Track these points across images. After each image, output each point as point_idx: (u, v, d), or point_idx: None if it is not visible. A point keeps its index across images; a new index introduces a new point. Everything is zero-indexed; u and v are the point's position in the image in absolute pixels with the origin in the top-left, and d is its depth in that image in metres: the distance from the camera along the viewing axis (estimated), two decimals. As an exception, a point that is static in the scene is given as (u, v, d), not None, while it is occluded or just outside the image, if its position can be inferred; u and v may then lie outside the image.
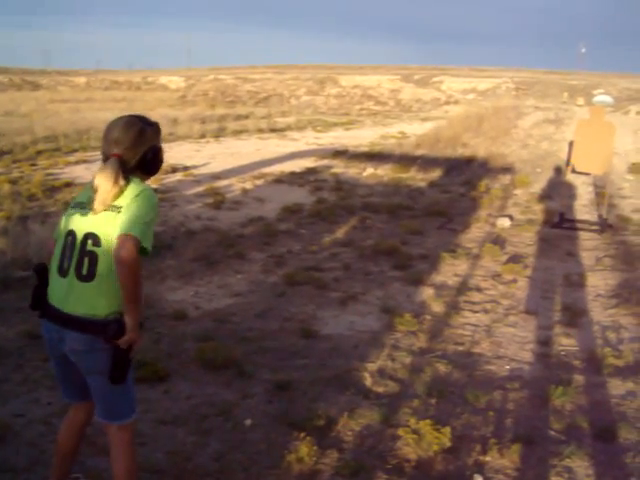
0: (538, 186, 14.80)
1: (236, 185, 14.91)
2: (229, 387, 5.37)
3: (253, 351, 6.10)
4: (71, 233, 3.12)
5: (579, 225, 11.66)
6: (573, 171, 12.08)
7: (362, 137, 26.23)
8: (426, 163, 17.71)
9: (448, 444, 4.43)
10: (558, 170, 15.47)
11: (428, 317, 7.17)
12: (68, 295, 3.09)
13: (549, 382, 5.57)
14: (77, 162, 17.88)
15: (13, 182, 14.43)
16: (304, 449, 4.26)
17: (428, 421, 4.56)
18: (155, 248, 7.23)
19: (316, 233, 10.85)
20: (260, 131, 28.68)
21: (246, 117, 35.84)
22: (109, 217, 3.04)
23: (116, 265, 2.97)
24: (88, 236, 3.06)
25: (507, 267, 8.96)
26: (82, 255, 3.07)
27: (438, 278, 8.58)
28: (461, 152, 18.68)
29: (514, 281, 8.52)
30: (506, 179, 15.71)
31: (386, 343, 6.41)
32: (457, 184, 15.56)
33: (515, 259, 9.46)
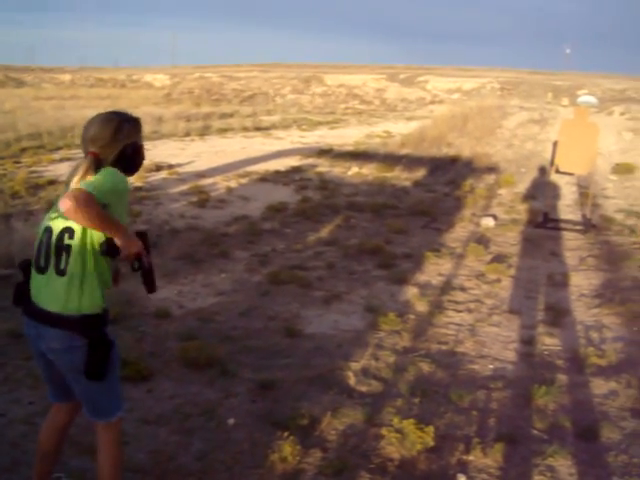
0: (522, 186, 14.85)
1: (221, 184, 14.87)
2: (212, 386, 5.36)
3: (237, 350, 6.09)
4: (48, 229, 3.09)
5: (563, 225, 11.70)
6: (557, 171, 12.12)
7: (347, 136, 26.21)
8: (411, 162, 17.72)
9: (431, 443, 4.44)
10: (542, 170, 15.53)
11: (412, 316, 7.18)
12: (44, 291, 3.07)
13: (532, 381, 5.59)
14: (61, 160, 17.75)
15: (-4, 180, 14.34)
16: (287, 448, 4.25)
17: (411, 420, 4.56)
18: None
19: (300, 232, 10.84)
20: (245, 129, 28.62)
21: (231, 115, 35.74)
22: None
23: (70, 217, 2.87)
24: (65, 230, 3.02)
25: (491, 267, 8.99)
26: (60, 249, 3.03)
27: (422, 277, 8.60)
28: (446, 152, 18.71)
29: (498, 281, 8.55)
30: (490, 179, 15.75)
31: (370, 342, 6.41)
32: (442, 183, 15.59)
33: (499, 259, 9.49)
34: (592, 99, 40.47)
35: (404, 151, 19.36)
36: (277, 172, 16.85)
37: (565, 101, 36.48)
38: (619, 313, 7.41)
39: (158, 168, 16.53)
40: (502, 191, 14.57)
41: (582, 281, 8.62)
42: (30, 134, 21.73)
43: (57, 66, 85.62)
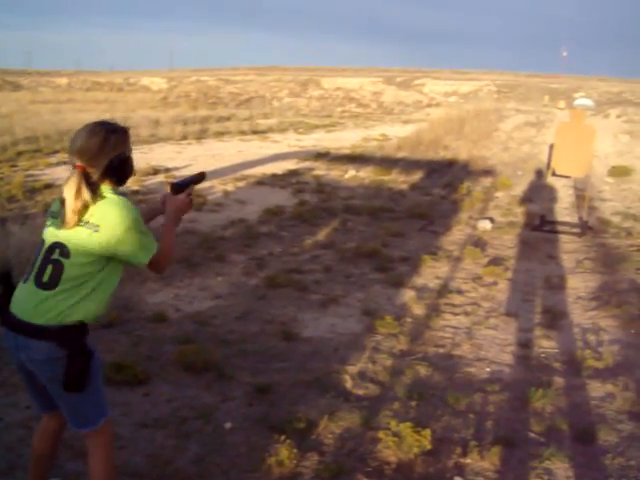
0: (519, 189, 14.86)
1: (217, 187, 14.86)
2: (209, 390, 5.35)
3: (233, 354, 6.08)
4: (42, 241, 3.10)
5: (560, 228, 11.71)
6: (554, 174, 12.13)
7: (344, 139, 26.23)
8: (407, 166, 17.74)
9: (428, 446, 4.43)
10: (539, 173, 15.55)
11: (409, 319, 7.18)
12: (27, 302, 3.03)
13: (529, 384, 5.58)
14: (58, 163, 17.74)
15: (-7, 183, 14.33)
16: (284, 452, 4.25)
17: (408, 423, 4.56)
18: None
19: (297, 235, 10.84)
20: (242, 133, 28.61)
21: (228, 119, 35.74)
22: (83, 233, 2.97)
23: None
24: (56, 245, 3.01)
25: (488, 269, 8.99)
26: (45, 262, 3.02)
27: (419, 280, 8.60)
28: (442, 155, 18.75)
29: (495, 283, 8.55)
30: (487, 182, 15.77)
31: (367, 346, 6.40)
32: (438, 186, 15.59)
33: (496, 261, 9.49)
34: (589, 102, 40.57)
35: (401, 154, 19.39)
36: (274, 175, 16.85)
37: (562, 104, 36.56)
38: (616, 316, 7.41)
39: (155, 172, 16.52)
40: (499, 194, 14.58)
41: (579, 284, 8.62)
42: (27, 138, 21.71)
43: (54, 70, 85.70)
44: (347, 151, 21.71)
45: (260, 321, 7.05)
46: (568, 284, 8.57)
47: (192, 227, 10.96)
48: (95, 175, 3.03)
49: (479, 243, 10.53)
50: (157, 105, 46.91)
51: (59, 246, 3.01)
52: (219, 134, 27.70)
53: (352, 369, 5.82)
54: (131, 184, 13.18)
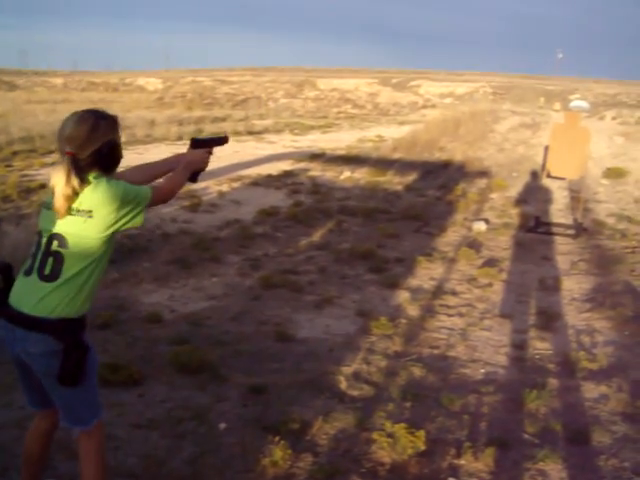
0: (514, 190, 14.86)
1: (213, 188, 14.85)
2: (204, 391, 5.35)
3: (228, 354, 6.08)
4: (39, 232, 3.10)
5: (554, 229, 11.73)
6: (549, 176, 12.15)
7: (339, 140, 26.24)
8: (403, 167, 17.74)
9: (422, 448, 4.44)
10: (534, 174, 15.56)
11: (403, 321, 7.18)
12: (27, 295, 3.04)
13: (523, 386, 5.60)
14: (53, 163, 17.69)
15: (-13, 183, 14.31)
16: (279, 453, 4.25)
17: (403, 425, 4.56)
18: (130, 251, 7.16)
19: (292, 236, 10.84)
20: (237, 133, 28.57)
21: (223, 120, 35.71)
22: (77, 221, 2.98)
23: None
24: (54, 236, 3.02)
25: (483, 271, 9.00)
26: (46, 255, 3.02)
27: (414, 282, 8.60)
28: (438, 156, 18.75)
29: (489, 285, 8.56)
30: (482, 183, 15.77)
31: (361, 347, 6.41)
32: (433, 188, 15.60)
33: (491, 263, 9.50)
34: (584, 104, 40.62)
35: (396, 155, 19.39)
36: (269, 176, 16.85)
37: (557, 105, 36.58)
38: (610, 317, 7.43)
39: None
40: (494, 195, 14.59)
41: (573, 285, 8.64)
42: (22, 138, 21.68)
43: (50, 70, 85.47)
44: (343, 152, 21.72)
45: (255, 322, 7.05)
46: (563, 286, 8.59)
47: (187, 228, 10.97)
48: (84, 163, 3.02)
49: (474, 244, 10.54)
50: (153, 105, 46.84)
51: (57, 237, 3.01)
52: (214, 135, 27.64)
53: (347, 370, 5.83)
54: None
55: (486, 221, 12.04)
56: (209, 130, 28.62)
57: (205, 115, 37.19)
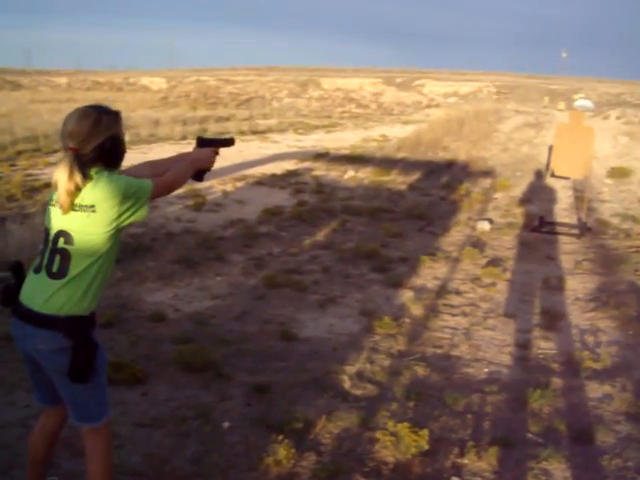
0: (518, 190, 14.85)
1: (217, 187, 14.86)
2: (207, 389, 5.36)
3: (232, 353, 6.09)
4: (46, 230, 3.11)
5: (558, 229, 11.72)
6: (553, 175, 12.14)
7: (343, 140, 26.23)
8: (407, 166, 17.74)
9: (426, 447, 4.44)
10: (538, 174, 15.55)
11: (407, 320, 7.18)
12: (37, 292, 3.05)
13: (527, 385, 5.59)
14: (57, 163, 17.68)
15: (-8, 183, 14.33)
16: (282, 452, 4.26)
17: (406, 424, 4.56)
18: (134, 250, 7.16)
19: (296, 235, 10.85)
20: (242, 133, 28.55)
21: (227, 119, 35.71)
22: (81, 217, 2.99)
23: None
24: (60, 234, 3.03)
25: (486, 270, 9.00)
26: (54, 252, 3.04)
27: (418, 281, 8.60)
28: (442, 155, 18.74)
29: (493, 284, 8.55)
30: (486, 182, 15.76)
31: (365, 346, 6.41)
32: (438, 187, 15.60)
33: (495, 262, 9.49)
34: (588, 103, 40.57)
35: (400, 155, 19.38)
36: (273, 176, 16.85)
37: (561, 105, 36.53)
38: (614, 317, 7.42)
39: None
40: (498, 195, 14.58)
41: (577, 285, 8.63)
42: (26, 137, 21.70)
43: (54, 69, 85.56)
44: (346, 152, 21.70)
45: (259, 321, 7.05)
46: (567, 285, 8.58)
47: (191, 227, 10.98)
48: (86, 158, 3.03)
49: (478, 244, 10.54)
50: (157, 105, 46.86)
51: (63, 234, 3.02)
52: (218, 134, 27.65)
53: (350, 369, 5.83)
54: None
55: (490, 221, 12.03)
56: (213, 130, 28.65)
57: (209, 115, 37.20)
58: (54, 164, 17.36)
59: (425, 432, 4.49)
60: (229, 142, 3.77)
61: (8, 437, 4.48)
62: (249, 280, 8.48)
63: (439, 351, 6.43)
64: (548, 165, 12.25)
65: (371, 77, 68.72)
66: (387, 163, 18.20)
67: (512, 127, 20.99)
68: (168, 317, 7.04)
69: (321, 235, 10.96)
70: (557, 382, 5.77)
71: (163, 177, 3.29)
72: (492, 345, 6.65)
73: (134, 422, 4.78)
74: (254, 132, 29.50)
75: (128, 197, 3.02)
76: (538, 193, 13.97)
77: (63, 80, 74.25)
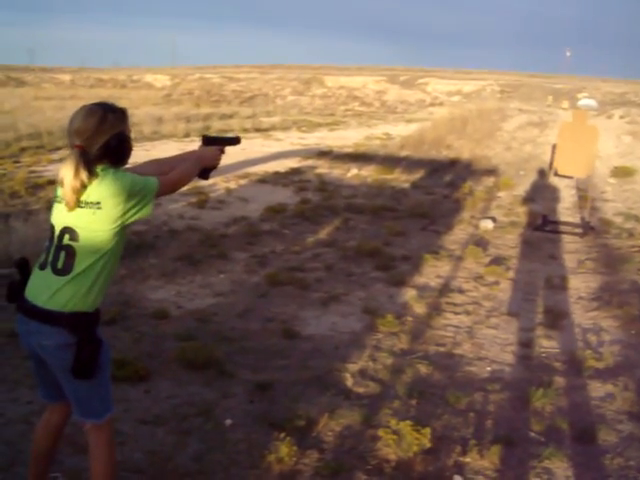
0: (522, 188, 14.85)
1: (220, 184, 14.86)
2: (210, 387, 5.36)
3: (234, 351, 6.09)
4: (52, 227, 3.12)
5: (562, 228, 11.71)
6: (556, 174, 12.13)
7: (347, 138, 26.22)
8: (410, 164, 17.73)
9: (428, 445, 4.44)
10: (542, 173, 15.54)
11: (410, 318, 7.18)
12: (42, 288, 3.06)
13: (530, 384, 5.59)
14: (61, 160, 17.69)
15: (-5, 179, 14.35)
16: (284, 449, 4.26)
17: (408, 422, 4.56)
18: (137, 247, 7.16)
19: (299, 233, 10.85)
20: (245, 131, 28.55)
21: (231, 117, 35.72)
22: (86, 214, 2.99)
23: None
24: (65, 230, 3.04)
25: (489, 269, 9.00)
26: (59, 248, 3.04)
27: (420, 279, 8.60)
28: (445, 154, 18.74)
29: (496, 283, 8.55)
30: (490, 181, 15.76)
31: (367, 344, 6.41)
32: (441, 186, 15.60)
33: (498, 261, 9.49)
34: (592, 102, 40.52)
35: (403, 153, 19.38)
36: (276, 173, 16.86)
37: (565, 104, 36.45)
38: (617, 316, 7.42)
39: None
40: (501, 194, 14.57)
41: (580, 284, 8.62)
42: (30, 134, 21.72)
43: (57, 66, 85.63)
44: (350, 150, 21.70)
45: (261, 319, 7.06)
46: (569, 284, 8.58)
47: (194, 224, 10.98)
48: (93, 155, 3.03)
49: (481, 242, 10.53)
50: (160, 102, 46.90)
51: (68, 231, 3.03)
52: (222, 132, 27.64)
53: (353, 367, 5.83)
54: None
55: (493, 219, 12.03)
56: (216, 127, 28.67)
57: (213, 112, 37.21)
58: (58, 161, 17.41)
59: (427, 430, 4.49)
60: (235, 141, 3.79)
61: (11, 434, 4.48)
62: (252, 278, 8.48)
63: (442, 349, 6.43)
64: (551, 164, 12.24)
65: (375, 75, 68.68)
66: (390, 161, 18.20)
67: (516, 126, 20.96)
68: (171, 314, 7.05)
69: (324, 233, 10.96)
70: (559, 381, 5.77)
71: (169, 175, 3.30)
72: (495, 344, 6.65)
73: (137, 419, 4.79)
74: (257, 130, 29.52)
75: (134, 194, 3.02)
76: (541, 192, 13.96)
77: (67, 77, 74.31)
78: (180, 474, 4.11)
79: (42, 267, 3.10)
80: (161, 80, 71.97)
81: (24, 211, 11.05)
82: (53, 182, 13.88)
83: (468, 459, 4.43)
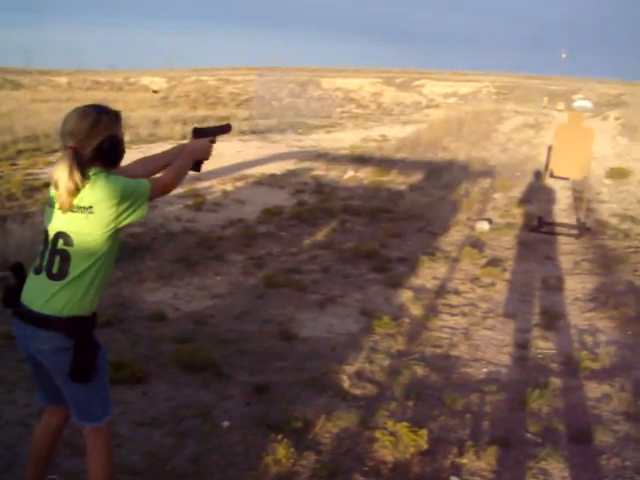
0: (517, 190, 14.86)
1: (216, 187, 14.85)
2: (207, 389, 5.37)
3: (231, 353, 6.10)
4: (45, 231, 3.12)
5: (557, 229, 11.73)
6: (552, 175, 12.14)
7: (343, 140, 26.20)
8: (406, 166, 17.73)
9: (425, 446, 4.45)
10: (537, 174, 15.55)
11: (406, 320, 7.19)
12: (37, 293, 3.07)
13: (526, 385, 5.61)
14: (56, 161, 17.70)
15: (-8, 182, 14.33)
16: (281, 451, 4.27)
17: (405, 423, 4.57)
18: (134, 249, 7.16)
19: (296, 235, 10.85)
20: (241, 133, 28.58)
21: (227, 119, 35.69)
22: (79, 218, 3.00)
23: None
24: (59, 235, 3.04)
25: (486, 270, 9.01)
26: (53, 253, 3.05)
27: (417, 281, 8.61)
28: (441, 156, 18.76)
29: (492, 284, 8.56)
30: (486, 183, 15.77)
31: (364, 346, 6.42)
32: (437, 187, 15.59)
33: (494, 262, 9.51)
34: (587, 103, 40.59)
35: (400, 155, 19.39)
36: (273, 175, 16.84)
37: (561, 105, 36.51)
38: (613, 317, 7.43)
39: (154, 171, 16.48)
40: (497, 195, 14.58)
41: (576, 285, 8.64)
42: (26, 136, 21.67)
43: (54, 69, 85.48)
44: (346, 152, 21.68)
45: (258, 321, 7.06)
46: (566, 285, 8.59)
47: (191, 227, 10.99)
48: (85, 157, 3.03)
49: (477, 244, 10.54)
50: (157, 105, 46.85)
51: (62, 235, 3.03)
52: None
53: (349, 369, 5.84)
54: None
55: (489, 221, 12.04)
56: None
57: (209, 114, 37.17)
58: (54, 164, 17.36)
59: (424, 432, 4.50)
60: (225, 129, 3.77)
61: (8, 436, 4.49)
62: (249, 280, 8.49)
63: (438, 351, 6.44)
64: (547, 165, 12.25)
65: (371, 77, 68.70)
66: (387, 163, 18.19)
67: (511, 127, 21.01)
68: (168, 317, 7.05)
69: (321, 235, 10.96)
70: (556, 382, 5.78)
71: (162, 176, 3.30)
72: (491, 345, 6.66)
73: (134, 421, 4.80)
74: (254, 132, 29.49)
75: (126, 198, 3.02)
76: (537, 193, 13.97)
77: (63, 80, 74.17)
78: (177, 476, 4.12)
79: (37, 272, 3.10)
80: (157, 82, 71.85)
81: (21, 214, 11.02)
82: (50, 184, 13.87)
83: (465, 460, 4.44)
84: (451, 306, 7.74)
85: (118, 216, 3.02)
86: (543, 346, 6.66)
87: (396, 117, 46.85)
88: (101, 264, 3.07)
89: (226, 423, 4.81)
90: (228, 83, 68.87)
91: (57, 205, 3.05)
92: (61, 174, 2.99)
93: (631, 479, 4.31)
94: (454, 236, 11.23)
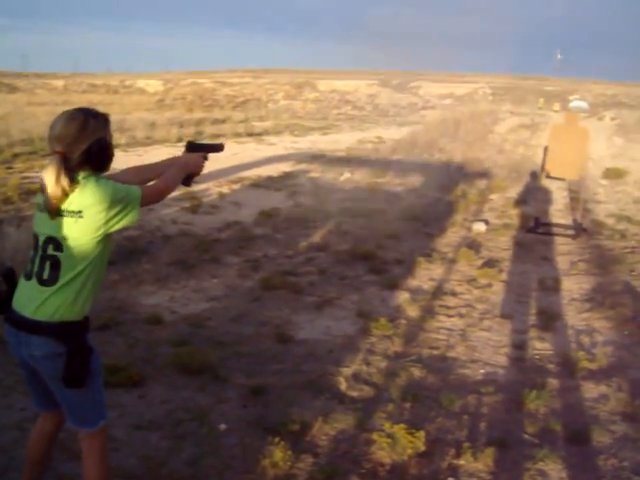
0: (514, 191, 14.88)
1: (213, 189, 14.85)
2: (204, 392, 5.36)
3: (228, 356, 6.09)
4: (35, 236, 3.09)
5: (554, 230, 11.74)
6: (548, 176, 12.15)
7: (339, 142, 26.23)
8: (403, 168, 17.75)
9: (422, 448, 4.45)
10: (534, 175, 15.59)
11: (403, 321, 7.19)
12: (28, 299, 3.04)
13: (523, 386, 5.61)
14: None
15: (-12, 186, 14.30)
16: (279, 454, 4.26)
17: (402, 425, 4.57)
18: (130, 252, 7.16)
19: (292, 237, 10.84)
20: (237, 135, 28.58)
21: (223, 121, 35.69)
22: (68, 223, 2.97)
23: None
24: (49, 240, 3.01)
25: (482, 271, 9.01)
26: (43, 259, 3.02)
27: (413, 282, 8.61)
28: (438, 157, 18.80)
29: (489, 285, 8.56)
30: (482, 184, 15.79)
31: (361, 347, 6.42)
32: (433, 189, 15.60)
33: (490, 263, 9.51)
34: (583, 104, 40.68)
35: (396, 156, 19.42)
36: (269, 178, 16.85)
37: (557, 106, 36.60)
38: (609, 317, 7.44)
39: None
40: (493, 196, 14.60)
41: (573, 285, 8.65)
42: (23, 140, 21.65)
43: (50, 72, 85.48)
44: (342, 153, 21.73)
45: (255, 323, 7.05)
46: (562, 286, 8.60)
47: (187, 229, 10.98)
48: (74, 161, 3.01)
49: (474, 245, 10.55)
50: (153, 107, 46.87)
51: (52, 241, 3.01)
52: (215, 136, 27.62)
53: (346, 371, 5.83)
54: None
55: (486, 222, 12.04)
56: (209, 132, 28.63)
57: (205, 117, 37.18)
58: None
59: (421, 433, 4.50)
60: (218, 148, 3.78)
61: (4, 440, 4.47)
62: (245, 282, 8.47)
63: (435, 352, 6.43)
64: (543, 166, 12.26)
65: (367, 79, 68.82)
66: (383, 165, 18.22)
67: (507, 128, 21.04)
68: (164, 319, 7.03)
69: (317, 237, 10.96)
70: (553, 383, 5.78)
71: (155, 184, 3.29)
72: (488, 346, 6.66)
73: (130, 424, 4.78)
74: (250, 134, 29.51)
75: (116, 203, 2.99)
76: (533, 194, 14.00)
77: (60, 83, 74.20)
78: (174, 479, 4.11)
79: (28, 277, 3.08)
80: (154, 85, 71.94)
81: (17, 217, 11.00)
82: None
83: (462, 462, 4.44)
84: (448, 307, 7.74)
85: (108, 221, 2.99)
86: (540, 347, 6.66)
87: (392, 118, 46.92)
88: (92, 269, 3.05)
89: (223, 426, 4.80)
90: (224, 85, 68.90)
91: (45, 210, 3.03)
92: (48, 179, 2.97)
93: (628, 479, 4.31)
94: (451, 237, 11.24)
